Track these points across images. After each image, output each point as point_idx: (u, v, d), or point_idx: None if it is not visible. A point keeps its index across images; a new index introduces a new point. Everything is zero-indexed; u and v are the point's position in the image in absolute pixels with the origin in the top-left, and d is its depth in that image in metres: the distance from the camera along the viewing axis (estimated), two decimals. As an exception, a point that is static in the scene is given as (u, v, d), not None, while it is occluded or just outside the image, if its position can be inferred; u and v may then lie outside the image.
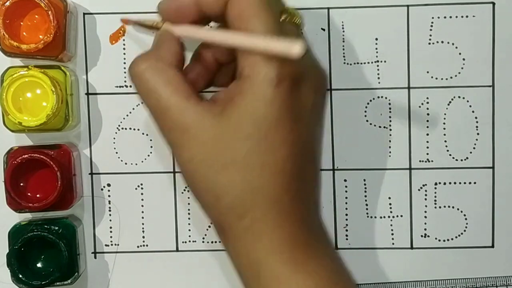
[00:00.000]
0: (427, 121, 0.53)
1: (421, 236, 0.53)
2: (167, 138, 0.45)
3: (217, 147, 0.43)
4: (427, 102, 0.53)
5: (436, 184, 0.53)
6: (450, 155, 0.53)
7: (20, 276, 0.49)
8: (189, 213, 0.54)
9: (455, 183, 0.53)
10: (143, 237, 0.54)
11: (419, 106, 0.53)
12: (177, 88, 0.44)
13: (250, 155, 0.43)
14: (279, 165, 0.44)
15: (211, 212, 0.45)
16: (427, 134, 0.53)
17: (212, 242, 0.54)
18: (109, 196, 0.54)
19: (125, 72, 0.53)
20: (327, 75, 0.50)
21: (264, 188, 0.44)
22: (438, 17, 0.52)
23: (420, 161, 0.53)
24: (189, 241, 0.54)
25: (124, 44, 0.53)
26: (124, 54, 0.53)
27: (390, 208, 0.53)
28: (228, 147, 0.43)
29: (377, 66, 0.53)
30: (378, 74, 0.53)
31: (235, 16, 0.44)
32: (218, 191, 0.44)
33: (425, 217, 0.53)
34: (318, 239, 0.46)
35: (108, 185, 0.54)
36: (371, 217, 0.53)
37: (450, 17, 0.52)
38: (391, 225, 0.53)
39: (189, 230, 0.54)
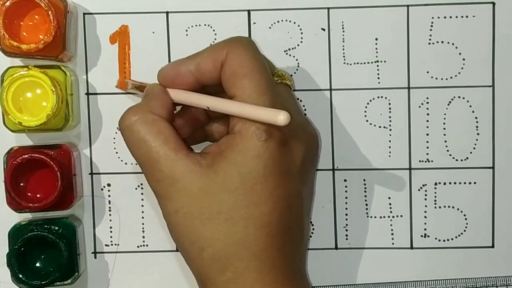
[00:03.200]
0: (427, 121, 0.53)
1: (421, 236, 0.53)
2: (154, 188, 0.46)
3: (204, 199, 0.44)
4: (427, 102, 0.53)
5: (436, 184, 0.53)
6: (450, 155, 0.53)
7: (20, 276, 0.49)
8: (189, 213, 0.54)
9: (455, 183, 0.53)
10: (143, 237, 0.54)
11: (419, 106, 0.53)
12: (167, 140, 0.45)
13: (236, 208, 0.44)
14: (264, 218, 0.44)
15: (193, 264, 0.46)
16: (427, 134, 0.53)
17: (212, 242, 0.54)
18: (109, 196, 0.54)
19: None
20: (317, 134, 0.51)
21: (247, 241, 0.44)
22: (438, 17, 0.52)
23: (420, 161, 0.53)
24: (189, 241, 0.54)
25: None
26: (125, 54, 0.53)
27: (390, 208, 0.53)
28: (214, 199, 0.44)
29: (377, 66, 0.53)
30: (378, 74, 0.53)
31: (228, 76, 0.46)
32: (201, 243, 0.44)
33: (425, 217, 0.53)
34: None
35: (108, 185, 0.54)
36: (371, 217, 0.53)
37: (450, 17, 0.52)
38: (391, 225, 0.53)
39: (189, 230, 0.54)
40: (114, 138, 0.53)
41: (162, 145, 0.45)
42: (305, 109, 0.53)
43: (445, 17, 0.52)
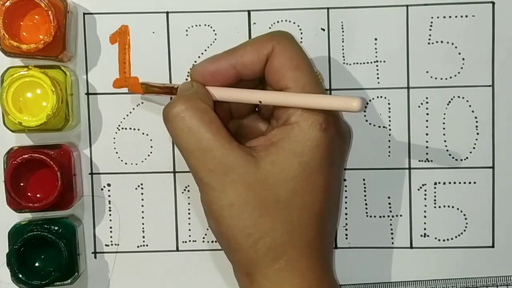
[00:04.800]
0: (427, 121, 0.53)
1: (421, 235, 0.53)
2: (205, 179, 0.45)
3: (261, 190, 0.44)
4: (427, 102, 0.53)
5: (435, 184, 0.53)
6: (449, 155, 0.53)
7: (20, 275, 0.49)
8: (189, 213, 0.54)
9: (454, 183, 0.53)
10: (143, 237, 0.54)
11: (419, 106, 0.53)
12: (220, 130, 0.45)
13: (293, 197, 0.44)
14: (316, 207, 0.45)
15: (243, 256, 0.45)
16: (427, 134, 0.53)
17: (212, 242, 0.54)
18: (109, 196, 0.54)
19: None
20: (349, 128, 0.52)
21: (301, 229, 0.45)
22: (438, 17, 0.52)
23: (419, 160, 0.53)
24: (189, 241, 0.54)
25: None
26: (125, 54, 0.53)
27: (390, 207, 0.53)
28: (272, 189, 0.44)
29: (377, 66, 0.53)
30: (378, 74, 0.53)
31: (277, 69, 0.46)
32: (259, 234, 0.44)
33: (425, 216, 0.53)
34: (334, 282, 0.48)
35: (108, 185, 0.54)
36: (371, 216, 0.53)
37: (450, 17, 0.52)
38: (391, 224, 0.53)
39: (189, 230, 0.54)
40: (114, 138, 0.53)
41: (216, 134, 0.44)
42: (305, 109, 0.53)
43: (444, 17, 0.52)
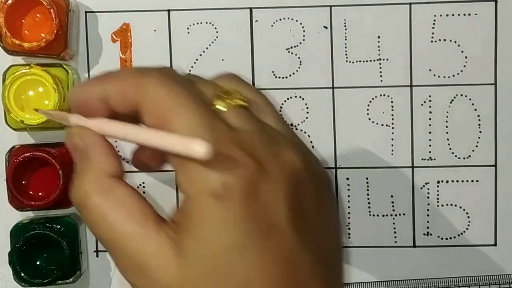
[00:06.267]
0: (430, 119, 0.53)
1: (424, 234, 0.53)
2: (129, 281, 0.35)
3: (187, 283, 0.34)
4: (430, 100, 0.53)
5: (438, 182, 0.53)
6: (452, 153, 0.53)
7: (22, 274, 0.49)
8: (191, 212, 0.54)
9: (457, 181, 0.53)
10: (145, 235, 0.54)
11: (422, 104, 0.53)
12: (132, 211, 0.35)
13: None
14: None
15: None
16: (430, 132, 0.53)
17: (214, 240, 0.54)
18: (111, 194, 0.54)
19: (127, 70, 0.53)
20: (305, 160, 0.36)
21: None
22: (441, 15, 0.52)
23: (422, 159, 0.53)
24: (191, 240, 0.54)
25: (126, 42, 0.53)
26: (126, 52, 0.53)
27: (393, 206, 0.53)
28: (199, 282, 0.33)
29: (380, 64, 0.53)
30: (381, 72, 0.53)
31: (152, 125, 0.35)
32: None
33: (428, 215, 0.53)
34: None
35: (110, 183, 0.53)
36: (374, 215, 0.53)
37: (453, 15, 0.52)
38: (394, 223, 0.53)
39: (191, 228, 0.54)
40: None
41: (126, 220, 0.35)
42: (307, 108, 0.53)
43: (447, 15, 0.52)
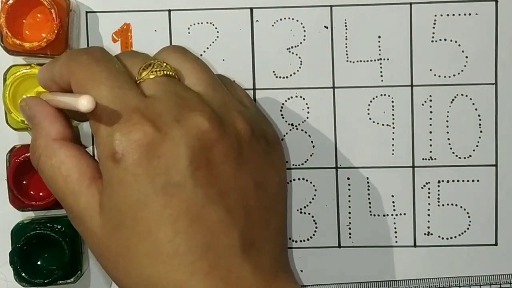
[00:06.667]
0: (430, 119, 0.53)
1: (425, 234, 0.53)
2: (76, 228, 0.42)
3: (106, 240, 0.39)
4: (430, 100, 0.53)
5: (439, 182, 0.53)
6: (453, 153, 0.53)
7: (23, 274, 0.49)
8: (192, 212, 0.54)
9: (458, 181, 0.53)
10: (146, 235, 0.54)
11: (422, 104, 0.53)
12: (70, 170, 0.40)
13: (132, 245, 0.37)
14: (168, 249, 0.37)
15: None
16: (430, 132, 0.53)
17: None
18: (111, 194, 0.54)
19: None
20: (213, 119, 0.40)
21: (162, 280, 0.37)
22: (441, 15, 0.52)
23: (423, 159, 0.53)
24: (192, 240, 0.54)
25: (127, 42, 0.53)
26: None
27: (393, 206, 0.53)
28: (112, 239, 0.38)
29: (380, 64, 0.53)
30: (381, 72, 0.53)
31: (75, 92, 0.40)
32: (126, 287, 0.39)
33: (428, 215, 0.53)
34: None
35: (111, 183, 0.54)
36: (374, 215, 0.53)
37: (453, 14, 0.52)
38: (394, 223, 0.53)
39: (192, 228, 0.54)
40: (117, 137, 0.53)
41: (65, 178, 0.40)
42: (308, 108, 0.53)
43: (448, 15, 0.52)
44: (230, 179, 0.39)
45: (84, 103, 0.36)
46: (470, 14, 0.52)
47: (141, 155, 0.37)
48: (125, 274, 0.38)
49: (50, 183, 0.42)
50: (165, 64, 0.42)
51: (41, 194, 0.50)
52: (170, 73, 0.42)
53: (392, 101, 0.53)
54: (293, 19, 0.53)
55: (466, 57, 0.52)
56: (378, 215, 0.53)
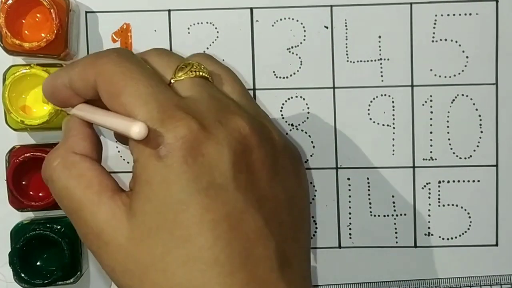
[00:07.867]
0: (431, 119, 0.53)
1: (425, 234, 0.53)
2: (88, 247, 0.39)
3: (134, 250, 0.36)
4: (431, 100, 0.53)
5: (439, 182, 0.53)
6: (453, 153, 0.53)
7: (23, 275, 0.49)
8: (191, 212, 0.54)
9: (458, 181, 0.53)
10: (146, 236, 0.54)
11: (423, 104, 0.53)
12: (91, 182, 0.38)
13: (168, 252, 0.35)
14: (206, 255, 0.35)
15: None
16: (431, 132, 0.53)
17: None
18: (111, 195, 0.53)
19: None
20: (248, 124, 0.39)
21: None
22: (442, 15, 0.52)
23: (423, 159, 0.53)
24: (192, 240, 0.54)
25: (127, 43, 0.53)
26: (127, 52, 0.53)
27: (394, 206, 0.53)
28: (143, 248, 0.36)
29: (380, 64, 0.52)
30: (381, 72, 0.52)
31: (107, 100, 0.38)
32: None
33: (429, 215, 0.53)
34: None
35: (111, 183, 0.53)
36: (375, 215, 0.53)
37: (454, 14, 0.52)
38: (395, 223, 0.53)
39: (192, 229, 0.54)
40: (117, 137, 0.53)
41: (84, 189, 0.38)
42: (308, 108, 0.53)
43: (448, 15, 0.52)
44: (266, 187, 0.38)
45: (137, 130, 0.34)
46: (470, 14, 0.52)
47: (187, 152, 0.35)
48: None
49: (64, 195, 0.39)
50: (202, 66, 0.41)
51: (40, 194, 0.50)
52: (207, 76, 0.41)
53: (393, 101, 0.53)
54: (293, 19, 0.52)
55: (467, 57, 0.52)
56: (379, 216, 0.53)
